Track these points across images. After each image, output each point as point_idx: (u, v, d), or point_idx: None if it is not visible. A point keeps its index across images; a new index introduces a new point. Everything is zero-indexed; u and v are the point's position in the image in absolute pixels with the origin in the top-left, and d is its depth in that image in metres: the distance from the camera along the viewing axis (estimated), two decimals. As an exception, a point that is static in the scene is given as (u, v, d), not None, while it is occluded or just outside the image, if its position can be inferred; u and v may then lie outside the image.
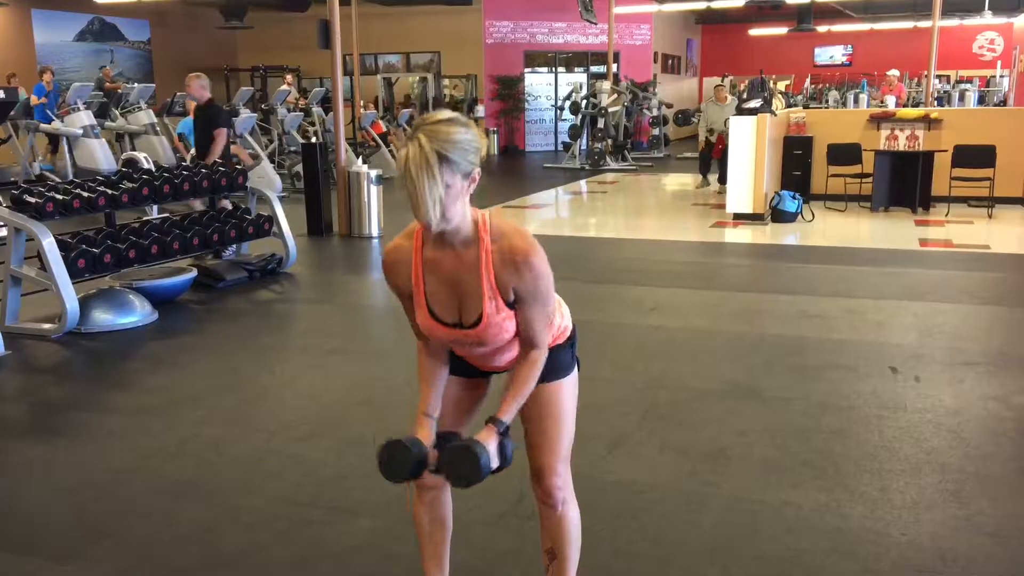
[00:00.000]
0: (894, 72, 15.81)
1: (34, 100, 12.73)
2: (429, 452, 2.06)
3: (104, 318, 5.68)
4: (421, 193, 1.83)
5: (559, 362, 2.17)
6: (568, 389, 2.22)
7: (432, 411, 2.14)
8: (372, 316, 6.48)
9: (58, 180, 6.62)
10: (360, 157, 11.37)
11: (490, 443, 1.99)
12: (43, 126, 11.76)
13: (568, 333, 2.24)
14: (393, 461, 2.03)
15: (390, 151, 14.83)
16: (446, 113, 1.90)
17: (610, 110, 16.13)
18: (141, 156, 10.50)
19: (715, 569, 2.79)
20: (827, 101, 20.42)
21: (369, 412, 4.25)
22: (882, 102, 13.59)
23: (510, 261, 1.96)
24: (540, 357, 2.07)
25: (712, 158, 12.57)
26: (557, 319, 2.18)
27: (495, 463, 2.00)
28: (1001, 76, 22.24)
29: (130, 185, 6.34)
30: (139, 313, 5.83)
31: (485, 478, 1.98)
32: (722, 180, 11.70)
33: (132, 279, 6.17)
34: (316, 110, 15.22)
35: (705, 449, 3.69)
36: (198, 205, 7.84)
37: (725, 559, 2.84)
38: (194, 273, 6.57)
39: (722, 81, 17.38)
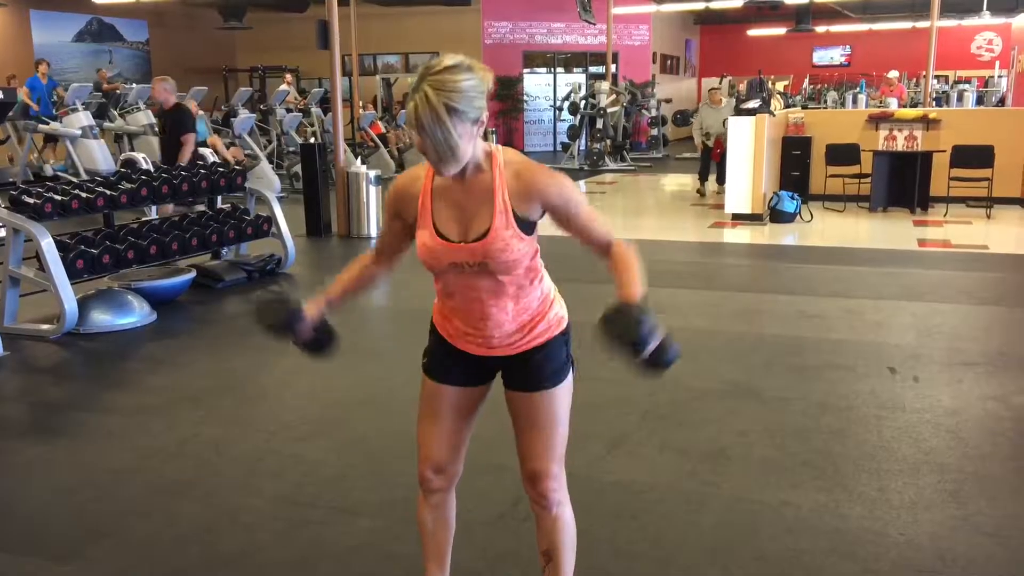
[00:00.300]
0: (894, 73, 15.82)
1: (24, 92, 12.71)
2: (305, 320, 2.15)
3: (103, 319, 5.68)
4: (434, 142, 1.86)
5: (554, 362, 2.13)
6: (561, 396, 2.16)
7: (332, 298, 2.23)
8: (372, 316, 6.48)
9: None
10: (359, 157, 11.37)
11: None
12: (41, 127, 11.76)
13: (564, 325, 2.18)
14: (268, 306, 2.14)
15: (389, 152, 14.84)
16: (449, 59, 1.88)
17: (609, 110, 16.13)
18: (140, 157, 10.50)
19: (715, 569, 2.79)
20: (826, 101, 20.44)
21: (369, 412, 4.25)
22: (881, 102, 13.59)
23: (527, 178, 1.99)
24: (624, 246, 2.09)
25: (712, 162, 12.36)
26: (553, 294, 2.17)
27: (659, 335, 1.93)
28: (999, 76, 22.25)
29: (129, 186, 6.34)
30: (138, 314, 5.83)
31: (647, 342, 1.91)
32: (720, 180, 11.62)
33: (131, 280, 6.17)
34: (315, 110, 15.23)
35: (705, 449, 3.69)
36: (170, 210, 7.58)
37: (725, 559, 2.84)
38: (193, 274, 6.57)
39: (720, 83, 17.36)
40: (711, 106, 12.33)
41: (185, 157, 7.78)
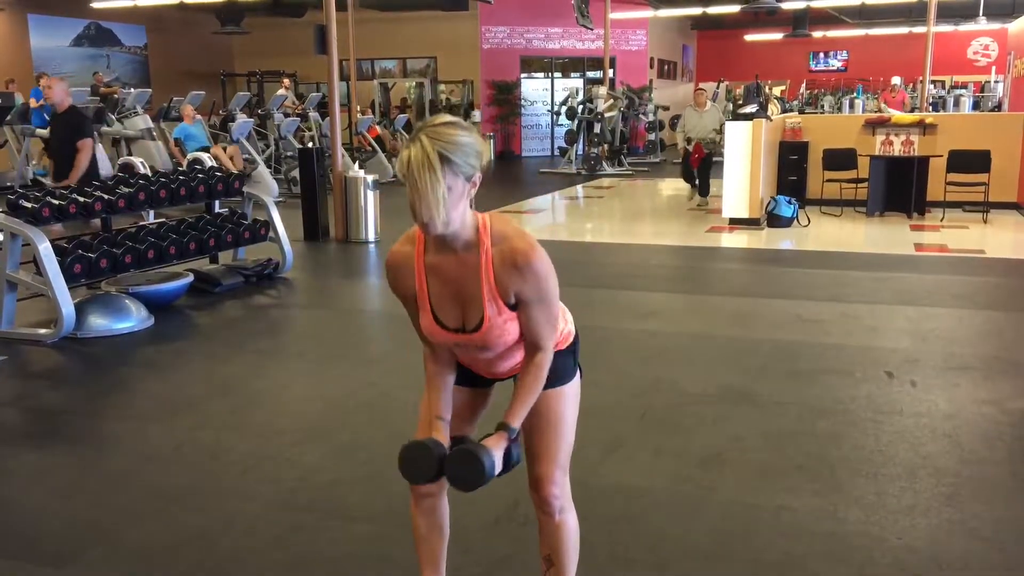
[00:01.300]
0: (897, 79, 15.91)
1: (33, 103, 12.72)
2: (446, 451, 2.06)
3: (100, 323, 5.68)
4: (423, 193, 1.84)
5: (560, 368, 2.17)
6: (568, 397, 2.20)
7: (444, 414, 2.13)
8: (368, 321, 6.48)
9: (52, 185, 6.58)
10: (356, 162, 11.38)
11: (498, 448, 2.00)
12: (39, 131, 11.76)
13: (571, 339, 2.23)
14: (416, 463, 2.03)
15: (386, 155, 14.84)
16: (448, 117, 1.91)
17: (606, 115, 16.15)
18: (137, 161, 10.52)
19: (711, 573, 2.79)
20: (823, 106, 20.47)
21: (365, 417, 4.25)
22: (878, 109, 13.63)
23: (511, 263, 1.96)
24: (546, 360, 2.07)
25: (693, 168, 11.76)
26: (560, 323, 2.18)
27: (499, 468, 2.00)
28: (995, 82, 22.26)
29: (126, 190, 6.34)
30: (135, 318, 5.82)
31: (488, 482, 1.98)
32: (702, 192, 11.47)
33: (128, 284, 6.17)
34: (312, 115, 15.24)
35: (700, 454, 3.69)
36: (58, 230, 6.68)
37: (721, 563, 2.84)
38: (190, 278, 6.57)
39: (717, 87, 17.29)
40: (695, 109, 11.67)
41: (82, 166, 6.66)
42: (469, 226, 1.96)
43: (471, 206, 1.98)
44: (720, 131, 10.91)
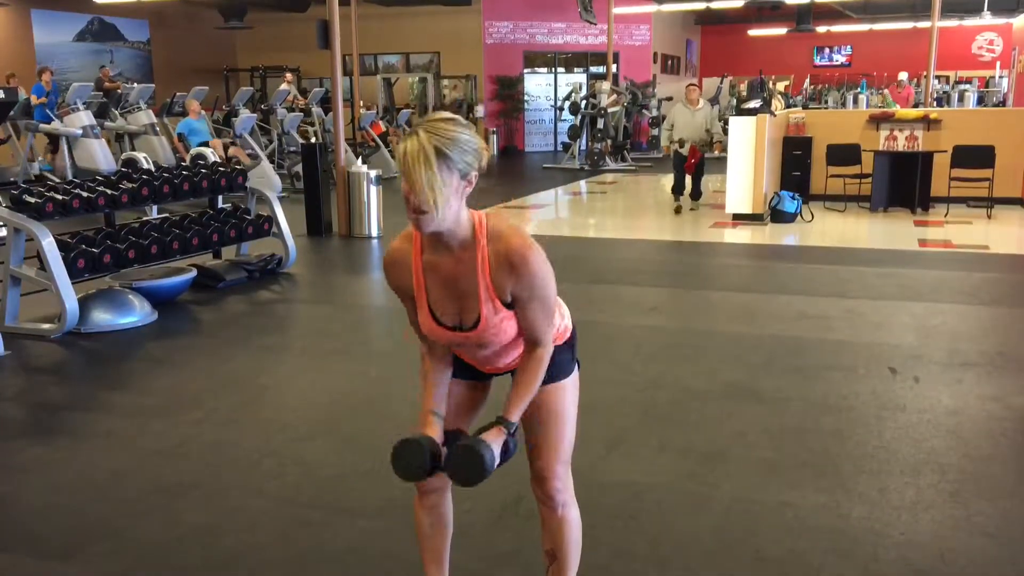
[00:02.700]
0: (904, 75, 15.89)
1: (34, 100, 12.72)
2: (438, 447, 2.07)
3: (103, 318, 5.68)
4: (417, 187, 1.84)
5: (559, 363, 2.17)
6: (568, 391, 2.21)
7: (439, 409, 2.13)
8: (372, 317, 6.48)
9: (57, 180, 6.59)
10: (360, 157, 11.37)
11: (496, 443, 2.00)
12: (43, 126, 11.77)
13: (568, 334, 2.23)
14: (409, 460, 2.03)
15: (390, 151, 14.83)
16: (447, 114, 1.92)
17: (609, 111, 16.12)
18: (141, 156, 10.50)
19: (714, 569, 2.79)
20: (827, 102, 20.42)
21: (368, 413, 4.25)
22: (882, 103, 13.61)
23: (506, 261, 1.96)
24: (544, 355, 2.07)
25: (686, 174, 10.63)
26: (557, 319, 2.18)
27: (498, 462, 2.01)
28: (1000, 77, 22.24)
29: (130, 185, 6.34)
30: (138, 313, 5.83)
31: (487, 477, 1.99)
32: (694, 195, 10.78)
33: (131, 279, 6.17)
34: (316, 110, 15.23)
35: (704, 450, 3.69)
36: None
37: (724, 559, 2.84)
38: (194, 273, 6.57)
39: (721, 81, 17.20)
40: (686, 106, 10.45)
41: None
42: (465, 224, 1.96)
43: (466, 205, 1.97)
44: (712, 130, 10.41)
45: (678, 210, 10.68)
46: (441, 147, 1.83)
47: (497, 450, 1.99)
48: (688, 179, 10.73)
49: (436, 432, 2.09)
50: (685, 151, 10.41)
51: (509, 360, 2.17)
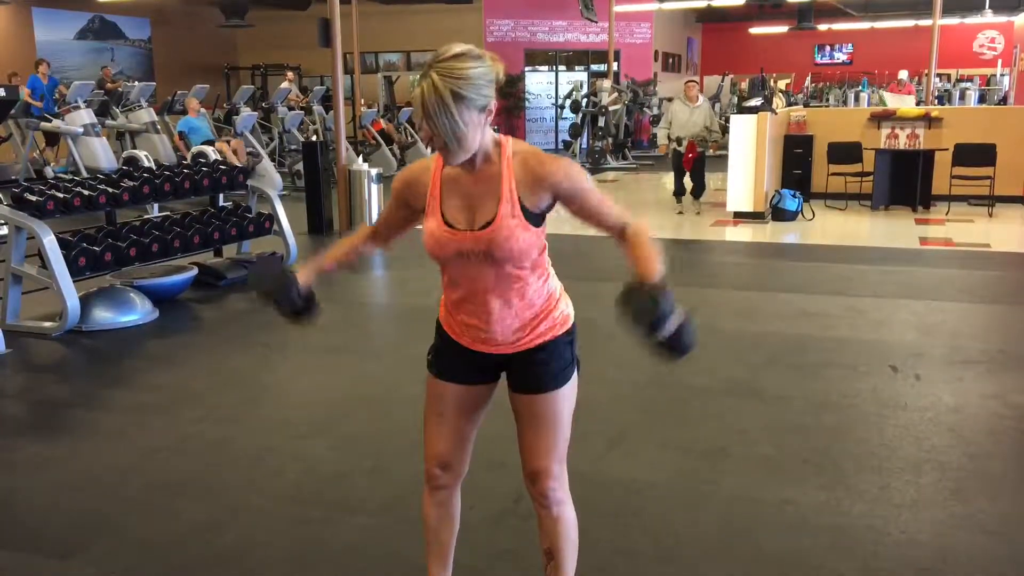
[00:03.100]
0: (904, 73, 15.89)
1: (25, 93, 12.69)
2: (299, 283, 2.15)
3: (105, 316, 5.69)
4: (440, 131, 1.85)
5: (558, 362, 2.12)
6: (565, 397, 2.15)
7: (326, 267, 2.22)
8: (373, 314, 6.48)
9: (69, 178, 6.60)
10: (360, 155, 11.37)
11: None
12: (44, 124, 11.76)
13: (569, 324, 2.17)
14: (264, 272, 2.15)
15: (391, 149, 14.84)
16: (458, 47, 1.88)
17: (610, 109, 16.12)
18: (142, 154, 10.52)
19: (715, 567, 2.79)
20: (828, 100, 20.41)
21: (370, 410, 4.25)
22: (879, 100, 13.59)
23: (536, 163, 1.99)
24: (639, 228, 2.10)
25: (684, 171, 10.33)
26: (563, 305, 2.15)
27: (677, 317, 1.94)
28: (1001, 75, 22.22)
29: (131, 183, 6.34)
30: (140, 311, 5.83)
31: (664, 323, 1.92)
32: (697, 194, 10.48)
33: (133, 277, 6.17)
34: (317, 108, 15.22)
35: (705, 447, 3.69)
36: None
37: (725, 557, 2.84)
38: (195, 271, 6.58)
39: (722, 79, 17.12)
40: (684, 103, 10.13)
41: None
42: (489, 143, 1.98)
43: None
44: (711, 128, 10.14)
45: (681, 214, 10.45)
46: (457, 89, 1.82)
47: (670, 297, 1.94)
48: (687, 177, 10.46)
49: (308, 277, 2.18)
50: (683, 149, 10.14)
51: (524, 317, 2.08)
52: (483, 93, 1.87)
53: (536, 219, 2.02)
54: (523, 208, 1.99)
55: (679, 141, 10.16)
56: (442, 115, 1.83)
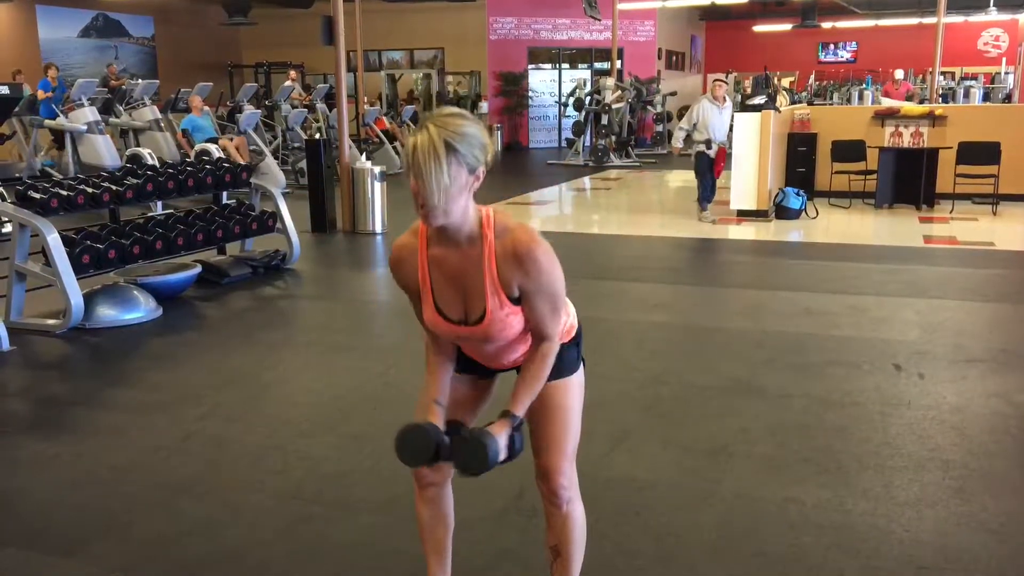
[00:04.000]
0: (900, 73, 15.84)
1: (40, 94, 12.73)
2: (441, 434, 2.07)
3: (108, 314, 5.70)
4: (426, 181, 1.84)
5: (564, 360, 2.16)
6: (574, 388, 2.20)
7: (441, 399, 2.14)
8: (376, 312, 6.49)
9: (60, 177, 6.61)
10: (364, 153, 11.37)
11: (501, 435, 1.99)
12: (47, 122, 11.78)
13: (574, 332, 2.23)
14: (413, 445, 2.04)
15: (394, 147, 14.84)
16: (455, 108, 1.93)
17: (614, 106, 16.11)
18: (145, 152, 10.53)
19: (717, 565, 2.79)
20: (832, 98, 20.37)
21: (371, 408, 4.26)
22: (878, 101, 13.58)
23: (512, 256, 1.96)
24: (551, 349, 2.07)
25: (714, 178, 9.68)
26: (564, 316, 2.18)
27: (503, 455, 2.00)
28: (1006, 73, 22.15)
29: (134, 181, 6.35)
30: (143, 309, 5.84)
31: (491, 469, 1.99)
32: (710, 197, 9.78)
33: (136, 275, 6.18)
34: (320, 106, 15.23)
35: (707, 446, 3.69)
36: None
37: (727, 556, 2.84)
38: (198, 269, 6.58)
39: (725, 77, 16.96)
40: (713, 103, 9.54)
41: None
42: (472, 220, 1.96)
43: (473, 200, 1.98)
44: (731, 129, 9.83)
45: (710, 219, 9.68)
46: (451, 141, 1.84)
47: (502, 442, 1.99)
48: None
49: (438, 420, 2.09)
50: (713, 153, 9.51)
51: (515, 356, 2.16)
52: (475, 154, 1.88)
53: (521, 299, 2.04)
54: (510, 296, 2.01)
55: (708, 144, 9.51)
56: (432, 163, 1.83)
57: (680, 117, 20.04)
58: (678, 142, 10.13)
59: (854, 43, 26.40)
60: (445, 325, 2.06)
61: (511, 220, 2.01)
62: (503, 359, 2.18)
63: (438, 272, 2.04)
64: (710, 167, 9.63)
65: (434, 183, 1.84)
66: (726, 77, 21.49)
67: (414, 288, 2.09)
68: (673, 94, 20.24)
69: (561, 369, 2.15)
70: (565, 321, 2.18)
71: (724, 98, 9.66)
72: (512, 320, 2.03)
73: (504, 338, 2.06)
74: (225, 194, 7.30)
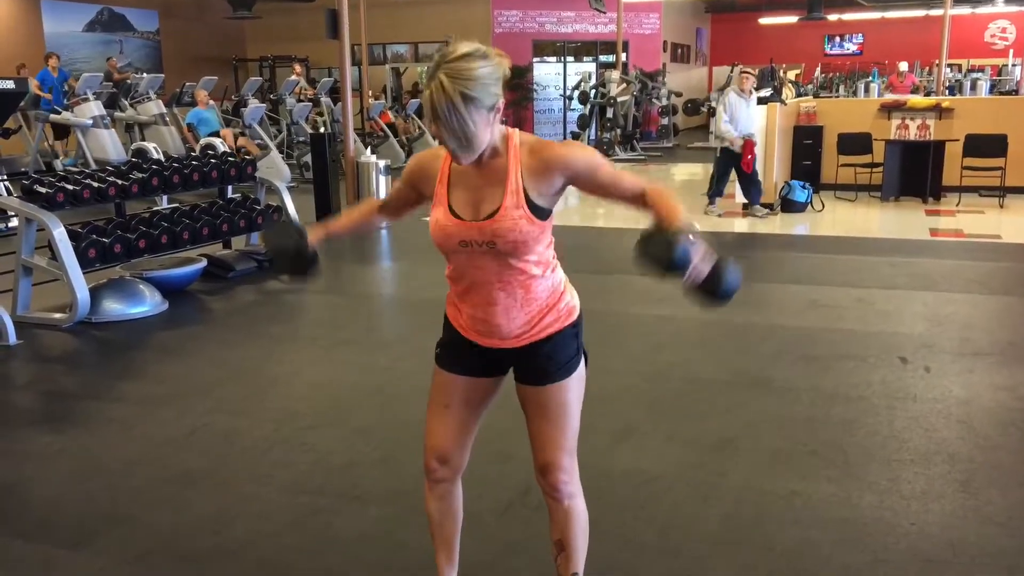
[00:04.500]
0: (904, 65, 15.77)
1: (34, 86, 12.72)
2: (309, 245, 2.30)
3: (114, 308, 5.71)
4: (451, 131, 1.86)
5: (563, 356, 2.12)
6: (573, 387, 2.15)
7: (335, 231, 2.37)
8: (381, 306, 6.49)
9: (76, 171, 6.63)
10: (368, 147, 11.37)
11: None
12: (53, 116, 11.79)
13: (574, 316, 2.16)
14: (279, 232, 2.30)
15: (398, 141, 14.83)
16: (465, 46, 1.87)
17: (619, 100, 16.07)
18: (151, 146, 10.54)
19: (723, 559, 2.79)
20: (838, 90, 20.30)
21: (377, 401, 4.26)
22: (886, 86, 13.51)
23: (544, 151, 2.00)
24: (659, 188, 2.07)
25: (745, 172, 9.34)
26: (568, 296, 2.15)
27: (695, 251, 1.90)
28: (1013, 65, 22.07)
29: (140, 175, 6.36)
30: (149, 303, 5.85)
31: (677, 266, 1.87)
32: (755, 198, 9.50)
33: (142, 269, 6.20)
34: (325, 100, 15.22)
35: (713, 440, 3.68)
36: None
37: (733, 549, 2.84)
38: (204, 263, 6.59)
39: (731, 69, 16.85)
40: (740, 95, 9.21)
41: None
42: (497, 137, 1.99)
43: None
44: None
45: (709, 212, 9.65)
46: (466, 91, 1.83)
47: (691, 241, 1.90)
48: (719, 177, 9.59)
49: (315, 239, 2.31)
50: (739, 149, 9.19)
51: (528, 311, 2.08)
52: (491, 92, 1.87)
53: (542, 212, 2.01)
54: (529, 200, 1.99)
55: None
56: (452, 117, 1.84)
57: (684, 110, 20.08)
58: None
59: (860, 35, 26.28)
60: (454, 224, 2.02)
61: (532, 136, 2.06)
62: (511, 310, 2.07)
63: (458, 182, 2.05)
64: (732, 166, 9.39)
65: (458, 132, 1.86)
66: (731, 70, 21.45)
67: (425, 189, 2.12)
68: (679, 95, 20.18)
69: (560, 368, 2.12)
70: (568, 301, 2.14)
71: (751, 91, 9.40)
72: (523, 225, 1.98)
73: (511, 242, 1.99)
74: (230, 188, 7.30)
